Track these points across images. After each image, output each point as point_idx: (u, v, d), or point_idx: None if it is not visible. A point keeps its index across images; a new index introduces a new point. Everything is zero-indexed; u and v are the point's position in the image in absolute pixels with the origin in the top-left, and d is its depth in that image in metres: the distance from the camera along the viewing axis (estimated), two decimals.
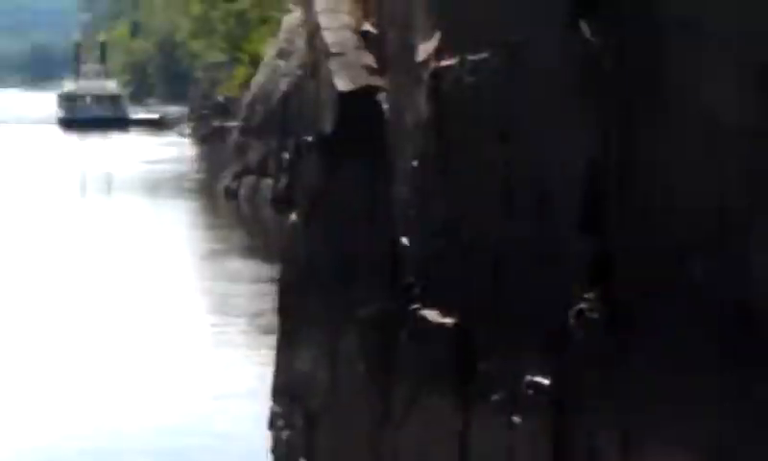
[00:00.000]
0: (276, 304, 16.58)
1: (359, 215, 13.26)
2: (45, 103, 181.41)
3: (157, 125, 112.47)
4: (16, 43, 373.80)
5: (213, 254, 36.63)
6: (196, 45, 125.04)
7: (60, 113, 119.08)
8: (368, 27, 14.27)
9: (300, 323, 14.33)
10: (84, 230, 45.28)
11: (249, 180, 48.05)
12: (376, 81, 13.53)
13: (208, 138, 79.76)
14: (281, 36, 47.98)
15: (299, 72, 46.85)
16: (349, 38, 14.09)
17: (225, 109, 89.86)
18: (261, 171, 47.29)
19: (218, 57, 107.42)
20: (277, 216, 45.21)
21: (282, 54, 47.07)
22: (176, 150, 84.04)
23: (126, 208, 53.32)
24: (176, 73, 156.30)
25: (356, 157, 13.47)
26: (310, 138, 15.12)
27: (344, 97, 13.48)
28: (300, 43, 47.29)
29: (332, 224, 13.64)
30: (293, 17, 48.75)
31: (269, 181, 46.69)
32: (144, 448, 18.03)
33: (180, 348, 24.39)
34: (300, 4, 51.31)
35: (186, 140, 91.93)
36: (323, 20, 14.48)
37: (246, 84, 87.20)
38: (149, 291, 30.54)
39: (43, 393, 21.07)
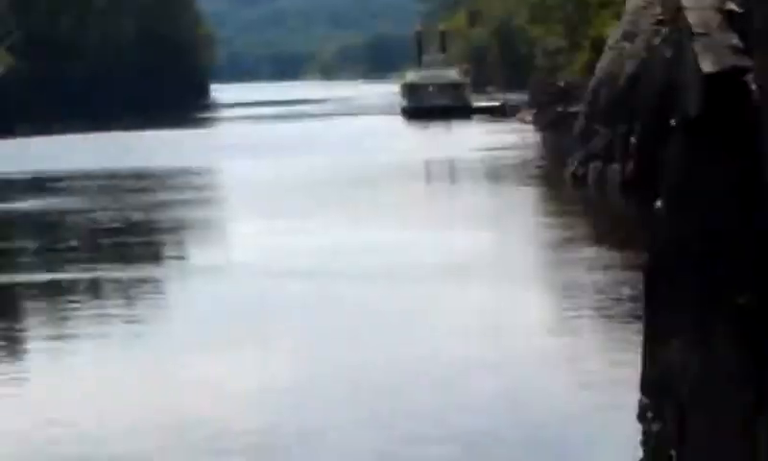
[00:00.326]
0: (640, 293, 16.43)
1: (728, 199, 12.91)
2: (385, 93, 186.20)
3: (499, 112, 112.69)
4: (358, 36, 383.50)
5: (564, 242, 36.39)
6: (534, 31, 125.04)
7: (404, 103, 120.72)
8: (732, 5, 13.88)
9: (668, 311, 14.06)
10: (431, 216, 46.06)
11: (595, 165, 47.45)
12: (743, 61, 13.15)
13: (551, 124, 79.44)
14: (625, 18, 47.24)
15: (644, 54, 46.42)
16: (714, 18, 13.75)
17: (566, 95, 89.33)
18: (607, 156, 46.65)
19: (557, 42, 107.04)
20: (626, 202, 44.85)
21: (627, 36, 46.33)
22: (518, 137, 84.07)
23: (471, 195, 53.91)
24: (514, 60, 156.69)
25: (723, 140, 13.14)
26: (673, 121, 14.76)
27: (710, 79, 13.14)
28: (646, 25, 46.78)
29: (700, 208, 13.32)
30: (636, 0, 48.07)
31: (616, 167, 46.02)
32: (511, 438, 17.87)
33: (540, 336, 24.23)
34: None
35: (528, 127, 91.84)
36: (685, 0, 14.17)
37: (587, 68, 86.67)
38: (502, 278, 30.53)
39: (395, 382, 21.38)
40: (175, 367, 22.70)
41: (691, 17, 13.85)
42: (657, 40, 44.54)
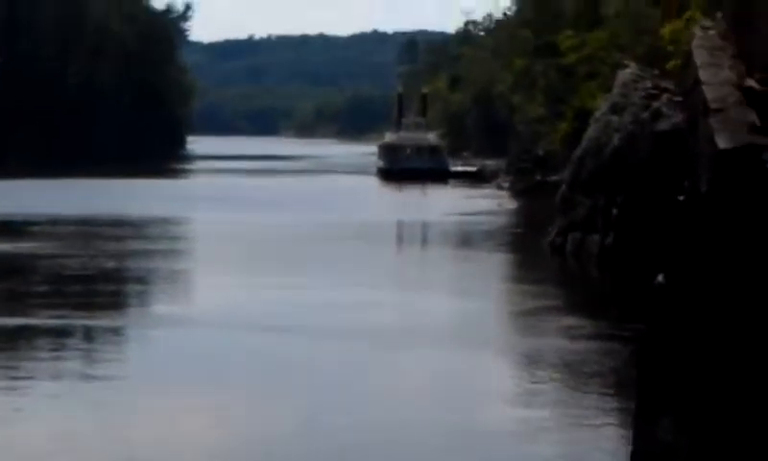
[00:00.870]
0: (635, 368, 16.00)
1: (740, 274, 12.61)
2: (361, 153, 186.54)
3: (476, 177, 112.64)
4: (336, 95, 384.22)
5: (544, 310, 35.93)
6: (515, 99, 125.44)
7: (380, 163, 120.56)
8: (751, 83, 13.59)
9: (661, 388, 13.77)
10: (400, 278, 45.74)
11: (574, 235, 47.12)
12: (761, 140, 12.85)
13: (528, 191, 79.35)
14: (615, 91, 47.09)
15: (631, 127, 46.26)
16: (731, 94, 13.45)
17: (545, 164, 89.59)
18: (587, 227, 46.36)
19: (538, 111, 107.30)
20: (603, 273, 44.52)
21: (615, 109, 46.19)
22: (494, 202, 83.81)
23: (443, 260, 53.47)
24: (492, 126, 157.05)
25: (735, 216, 12.83)
26: (681, 197, 14.44)
27: (724, 155, 12.83)
28: (636, 99, 46.63)
29: (709, 284, 12.98)
30: (627, 73, 47.94)
31: (595, 238, 45.74)
32: None
33: (533, 404, 23.86)
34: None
35: (504, 193, 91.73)
36: (702, 75, 13.83)
37: (567, 138, 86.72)
38: (467, 344, 30.25)
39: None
40: (125, 412, 22.81)
41: (708, 93, 13.54)
42: (645, 115, 44.45)
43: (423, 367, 28.27)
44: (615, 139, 45.12)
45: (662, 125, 43.87)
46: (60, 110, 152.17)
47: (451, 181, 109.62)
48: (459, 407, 23.67)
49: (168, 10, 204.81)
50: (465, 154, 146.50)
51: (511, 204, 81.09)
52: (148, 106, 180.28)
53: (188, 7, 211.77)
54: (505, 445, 21.26)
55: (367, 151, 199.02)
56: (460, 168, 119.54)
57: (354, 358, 28.70)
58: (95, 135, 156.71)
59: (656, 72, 48.20)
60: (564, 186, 48.75)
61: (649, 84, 46.00)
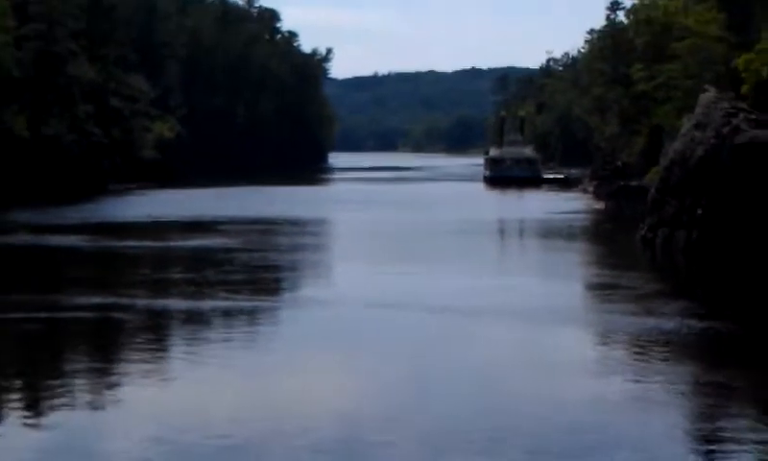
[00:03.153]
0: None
1: None
2: (465, 164, 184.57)
3: (563, 183, 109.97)
4: (443, 119, 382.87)
5: (641, 293, 33.21)
6: (591, 120, 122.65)
7: (487, 173, 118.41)
8: None
9: None
10: (512, 265, 43.65)
11: (663, 230, 44.48)
12: None
13: (612, 195, 76.46)
14: (698, 110, 44.35)
15: (713, 141, 43.48)
16: None
17: (623, 172, 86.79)
18: (675, 224, 43.72)
19: (612, 130, 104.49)
20: (690, 264, 41.79)
21: (698, 126, 43.49)
22: (583, 203, 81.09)
23: (548, 250, 50.94)
24: (571, 142, 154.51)
25: None
26: None
27: None
28: (716, 117, 43.88)
29: None
30: (708, 96, 45.20)
31: (683, 233, 43.07)
32: None
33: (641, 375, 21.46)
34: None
35: (590, 196, 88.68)
36: None
37: (643, 151, 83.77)
38: (592, 324, 28.15)
39: None
40: (281, 369, 22.64)
41: None
42: (725, 130, 41.69)
43: (529, 339, 26.37)
44: (700, 150, 42.41)
45: (741, 138, 41.16)
46: (232, 134, 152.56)
47: (544, 186, 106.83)
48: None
49: (314, 53, 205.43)
50: (550, 164, 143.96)
51: (598, 204, 78.09)
52: (298, 130, 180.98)
53: (329, 50, 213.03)
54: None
55: (469, 162, 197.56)
56: (551, 175, 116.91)
57: (463, 331, 27.09)
58: (259, 154, 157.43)
59: (731, 95, 45.44)
60: (653, 190, 46.05)
61: (727, 105, 43.21)
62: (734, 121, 41.74)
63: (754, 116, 42.26)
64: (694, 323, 27.32)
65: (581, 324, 28.26)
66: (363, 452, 16.42)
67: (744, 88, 45.66)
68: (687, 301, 31.94)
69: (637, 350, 24.55)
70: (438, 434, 17.07)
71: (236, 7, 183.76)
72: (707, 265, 39.86)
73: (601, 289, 34.82)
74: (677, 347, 25.05)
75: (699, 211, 41.77)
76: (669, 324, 27.16)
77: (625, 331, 26.60)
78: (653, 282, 36.98)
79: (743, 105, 43.60)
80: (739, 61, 47.18)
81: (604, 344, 25.79)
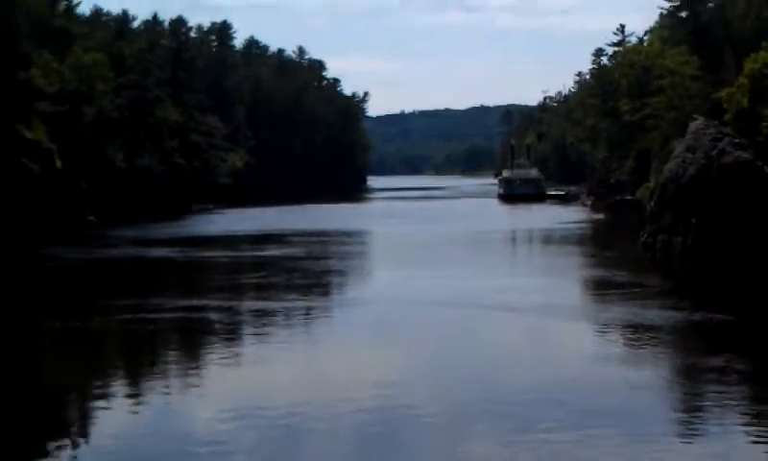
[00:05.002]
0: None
1: None
2: (478, 184, 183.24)
3: (564, 198, 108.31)
4: (458, 147, 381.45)
5: (644, 291, 31.81)
6: (582, 147, 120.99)
7: (500, 191, 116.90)
8: None
9: None
10: (527, 268, 42.02)
11: (662, 237, 42.96)
12: None
13: (609, 208, 74.93)
14: (688, 135, 42.87)
15: (703, 161, 41.99)
16: None
17: (617, 188, 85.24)
18: (672, 231, 42.20)
19: (603, 153, 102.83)
20: (686, 265, 40.31)
21: (689, 149, 42.01)
22: (585, 215, 79.46)
23: (558, 255, 49.46)
24: (566, 165, 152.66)
25: None
26: None
27: None
28: (705, 141, 42.41)
29: None
30: (697, 123, 43.74)
31: (679, 239, 41.55)
32: None
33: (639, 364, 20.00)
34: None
35: (588, 209, 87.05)
36: None
37: (633, 171, 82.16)
38: (600, 316, 26.79)
39: None
40: (338, 355, 22.13)
41: None
42: (714, 153, 40.24)
43: (539, 330, 25.15)
44: (692, 170, 40.95)
45: (727, 159, 39.69)
46: (289, 163, 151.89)
47: (547, 201, 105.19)
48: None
49: (353, 95, 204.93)
50: (549, 183, 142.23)
51: (597, 216, 76.51)
52: (343, 158, 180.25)
53: (365, 93, 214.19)
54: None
55: (482, 182, 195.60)
56: (553, 192, 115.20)
57: (480, 320, 26.34)
58: (311, 179, 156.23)
59: (716, 122, 43.94)
60: (651, 203, 44.52)
61: (714, 131, 41.72)
62: (720, 144, 40.30)
63: (737, 140, 40.81)
64: (694, 314, 26.22)
65: (597, 316, 27.02)
66: (398, 414, 16.17)
67: (727, 117, 44.15)
68: (672, 297, 30.59)
69: (652, 336, 23.30)
70: (454, 400, 17.02)
71: (290, 59, 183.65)
72: (702, 266, 38.42)
73: (615, 288, 33.33)
74: (679, 333, 23.86)
75: (693, 220, 40.29)
76: (675, 314, 25.95)
77: (635, 320, 25.37)
78: (658, 280, 35.61)
79: (727, 130, 42.11)
80: (723, 95, 45.72)
81: (617, 332, 24.48)
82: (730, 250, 37.96)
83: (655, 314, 26.37)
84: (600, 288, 33.96)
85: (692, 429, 15.56)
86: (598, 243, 54.15)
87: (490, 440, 14.83)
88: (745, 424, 15.64)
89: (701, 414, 16.43)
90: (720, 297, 30.85)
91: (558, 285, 34.27)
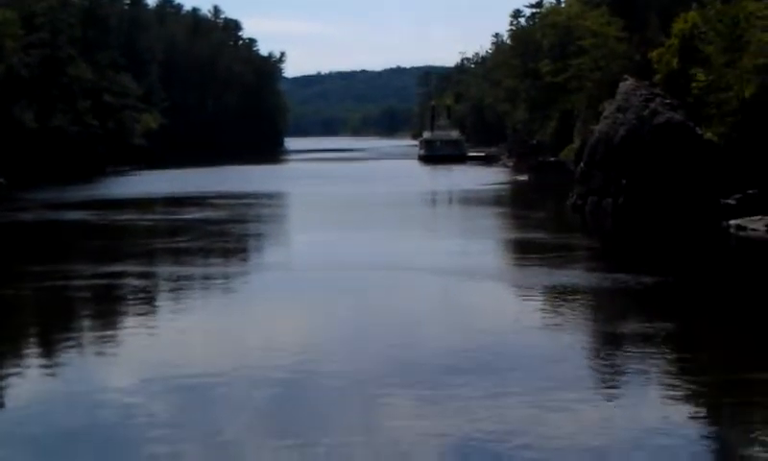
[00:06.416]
0: None
1: None
2: (396, 145, 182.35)
3: (484, 160, 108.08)
4: (375, 108, 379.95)
5: (575, 252, 31.21)
6: (501, 108, 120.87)
7: (421, 152, 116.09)
8: None
9: None
10: (454, 229, 40.90)
11: (592, 198, 42.51)
12: None
13: (532, 169, 74.62)
14: (618, 96, 42.31)
15: (634, 122, 41.51)
16: None
17: (538, 149, 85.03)
18: (603, 192, 41.77)
19: (523, 116, 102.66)
20: (617, 226, 39.94)
21: (620, 109, 41.46)
22: (507, 176, 79.08)
23: (488, 216, 48.20)
24: (484, 126, 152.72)
25: None
26: None
27: None
28: (636, 101, 41.93)
29: None
30: (628, 83, 43.22)
31: (609, 201, 41.13)
32: None
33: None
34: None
35: (510, 170, 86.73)
36: None
37: (555, 133, 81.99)
38: (531, 277, 26.08)
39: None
40: (256, 321, 21.55)
41: None
42: (645, 113, 39.77)
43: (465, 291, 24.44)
44: (622, 130, 40.45)
45: (659, 119, 39.29)
46: (205, 126, 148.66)
47: (468, 162, 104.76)
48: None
49: (270, 55, 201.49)
50: (468, 144, 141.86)
51: (521, 177, 76.09)
52: (260, 119, 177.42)
53: (282, 54, 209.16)
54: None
55: (399, 143, 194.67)
56: (474, 153, 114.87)
57: (399, 283, 25.50)
58: (227, 140, 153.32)
59: (647, 83, 43.46)
60: (581, 164, 44.00)
61: (645, 92, 41.24)
62: (652, 105, 39.84)
63: (668, 101, 40.36)
64: (600, 274, 25.87)
65: (526, 279, 26.24)
66: (313, 381, 15.82)
67: (657, 78, 43.71)
68: (602, 259, 30.09)
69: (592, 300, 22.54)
70: (367, 360, 17.02)
71: (205, 18, 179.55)
72: (633, 227, 38.05)
73: (545, 250, 32.49)
74: (606, 295, 23.29)
75: (624, 181, 39.87)
76: (582, 276, 25.45)
77: (563, 282, 24.76)
78: (588, 241, 35.04)
79: (658, 91, 41.65)
80: (653, 54, 45.24)
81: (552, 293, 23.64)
82: (661, 211, 37.64)
83: (584, 276, 25.73)
84: (529, 251, 33.12)
85: (607, 389, 15.30)
86: (526, 204, 53.46)
87: (399, 399, 14.67)
88: (661, 385, 15.31)
89: (617, 376, 16.03)
90: (650, 258, 30.35)
91: (485, 248, 33.38)
